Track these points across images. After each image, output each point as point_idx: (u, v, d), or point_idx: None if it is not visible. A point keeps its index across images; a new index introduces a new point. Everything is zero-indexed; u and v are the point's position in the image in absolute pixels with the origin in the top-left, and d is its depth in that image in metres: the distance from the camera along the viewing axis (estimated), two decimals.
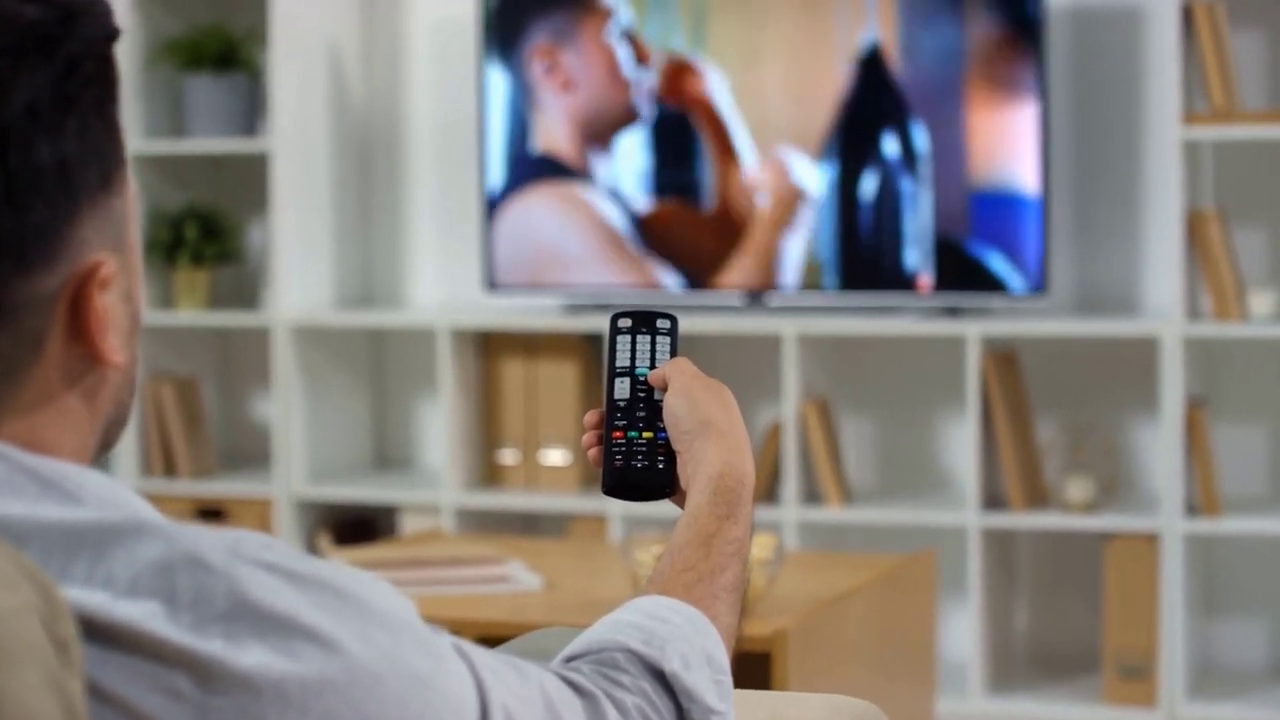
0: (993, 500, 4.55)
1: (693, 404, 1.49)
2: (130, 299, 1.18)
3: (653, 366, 1.55)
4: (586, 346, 4.84)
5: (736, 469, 1.46)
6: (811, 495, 4.65)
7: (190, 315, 5.03)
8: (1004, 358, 4.55)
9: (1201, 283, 4.47)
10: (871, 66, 4.59)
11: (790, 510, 4.58)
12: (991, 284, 4.53)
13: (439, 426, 5.03)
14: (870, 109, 4.60)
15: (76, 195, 1.13)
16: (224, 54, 4.99)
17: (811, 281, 4.67)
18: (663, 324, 1.56)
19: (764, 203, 4.68)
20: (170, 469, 5.05)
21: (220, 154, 5.09)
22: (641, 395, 1.54)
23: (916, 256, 4.58)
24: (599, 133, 4.77)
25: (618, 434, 1.53)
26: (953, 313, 4.61)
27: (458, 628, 3.06)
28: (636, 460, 1.52)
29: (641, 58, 4.73)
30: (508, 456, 4.89)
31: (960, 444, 4.74)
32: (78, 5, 1.13)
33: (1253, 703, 4.41)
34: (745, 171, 4.68)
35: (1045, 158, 4.46)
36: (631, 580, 3.08)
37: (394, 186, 5.19)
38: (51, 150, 1.11)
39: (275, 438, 4.95)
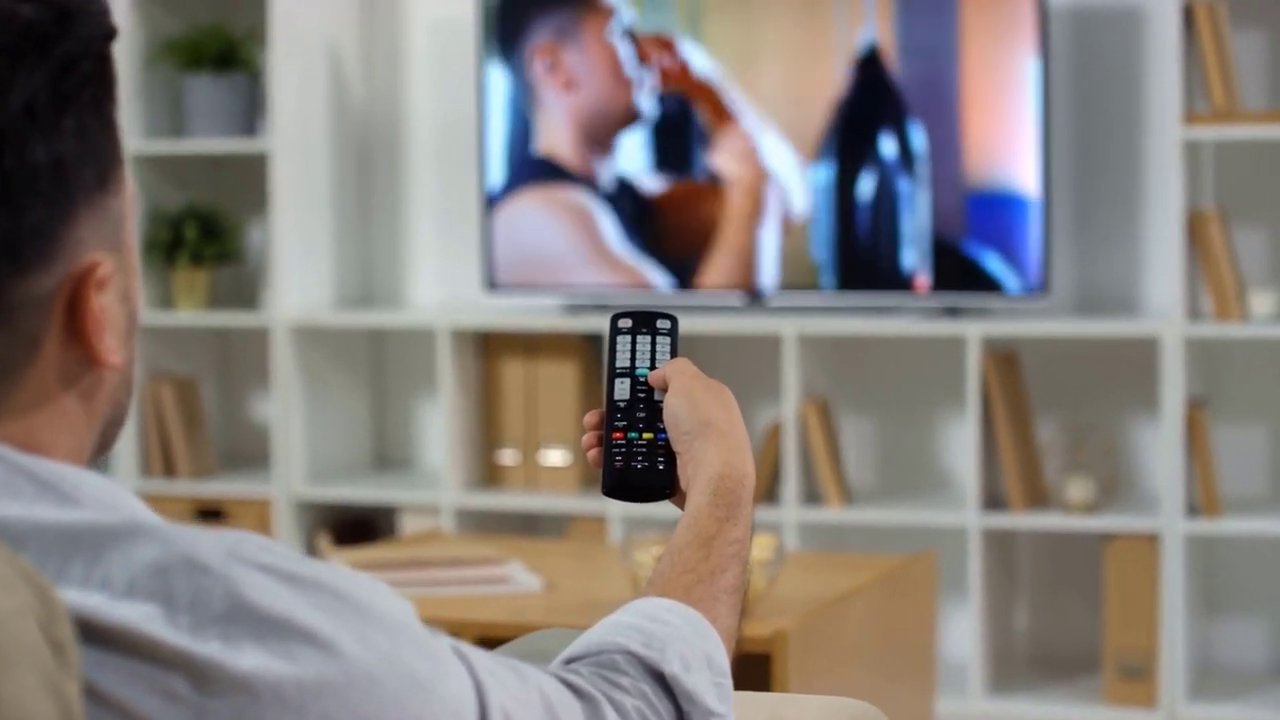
0: (993, 501, 4.55)
1: (693, 405, 1.48)
2: (127, 299, 1.18)
3: (653, 367, 1.54)
4: (586, 347, 4.84)
5: (737, 470, 1.46)
6: (811, 496, 4.65)
7: (190, 315, 5.03)
8: (1004, 358, 4.54)
9: (1202, 283, 4.46)
10: (869, 66, 4.58)
11: (790, 511, 4.58)
12: (989, 284, 4.52)
13: (439, 427, 5.03)
14: (868, 109, 4.59)
15: (73, 195, 1.12)
16: (224, 54, 4.99)
17: (809, 281, 4.67)
18: (663, 324, 1.56)
19: (737, 195, 4.67)
20: (169, 469, 5.04)
21: (220, 154, 5.08)
22: (641, 396, 1.53)
23: (914, 257, 4.58)
24: (601, 133, 4.77)
25: (618, 435, 1.53)
26: (952, 313, 4.61)
27: (457, 628, 3.05)
28: (636, 461, 1.52)
29: (643, 57, 4.73)
30: (507, 457, 4.89)
31: (960, 444, 4.73)
32: (74, 4, 1.13)
33: (1253, 703, 4.40)
34: (721, 162, 4.68)
35: (1046, 157, 4.46)
36: (631, 581, 3.07)
37: (394, 186, 5.19)
38: (48, 150, 1.11)
39: (275, 438, 4.95)
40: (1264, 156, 4.56)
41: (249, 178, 5.15)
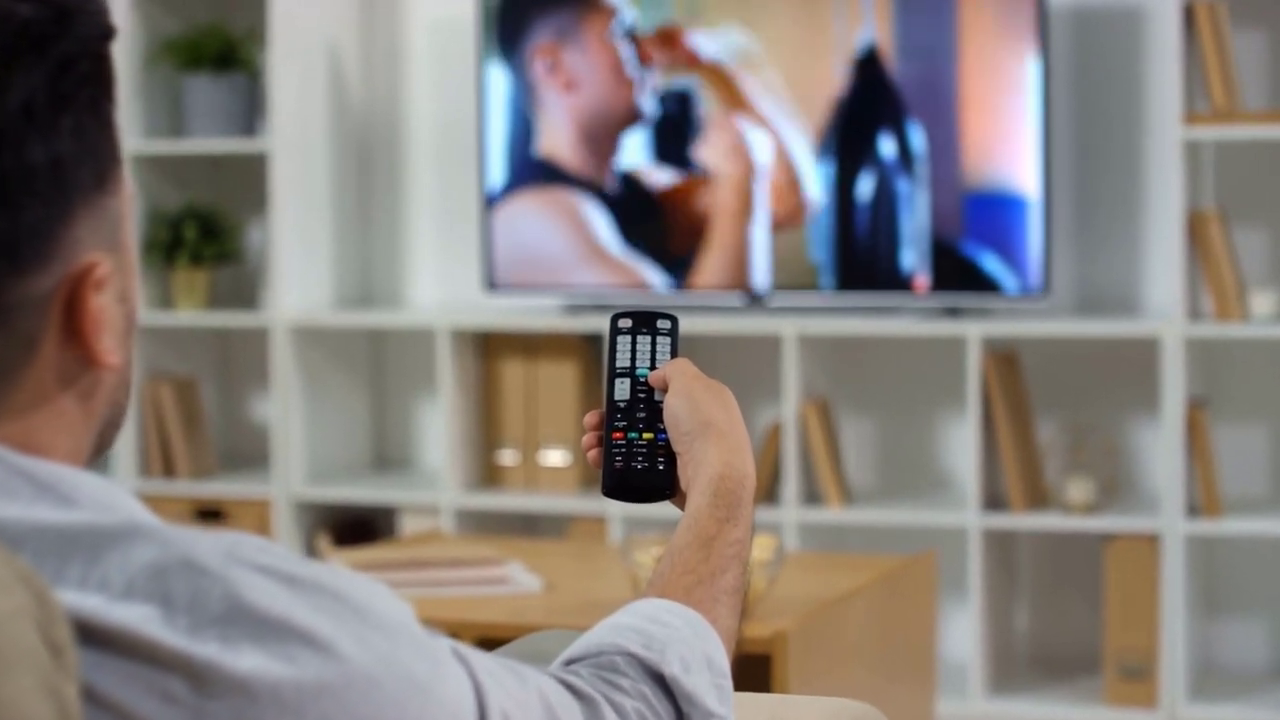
0: (993, 501, 4.55)
1: (693, 405, 1.48)
2: (125, 299, 1.17)
3: (653, 367, 1.54)
4: (586, 347, 4.84)
5: (737, 470, 1.45)
6: (811, 496, 4.64)
7: (189, 315, 5.03)
8: (1004, 358, 4.54)
9: (1202, 283, 4.46)
10: (868, 66, 4.58)
11: (790, 511, 4.58)
12: (987, 285, 4.52)
13: (438, 427, 5.03)
14: (867, 109, 4.59)
15: (71, 195, 1.12)
16: (223, 54, 4.98)
17: (808, 282, 4.66)
18: (663, 324, 1.55)
19: (724, 193, 4.67)
20: (169, 469, 5.04)
21: (219, 154, 5.08)
22: (642, 396, 1.53)
23: (913, 257, 4.58)
24: (602, 133, 4.76)
25: (618, 435, 1.52)
26: (953, 313, 4.60)
27: (457, 629, 3.05)
28: (636, 462, 1.51)
29: (644, 57, 4.72)
30: (507, 457, 4.88)
31: (961, 445, 4.73)
32: (72, 4, 1.13)
33: (1254, 704, 4.40)
34: (710, 157, 4.68)
35: (1046, 158, 4.45)
36: (631, 582, 3.07)
37: (393, 186, 5.19)
38: (46, 150, 1.10)
39: (274, 438, 4.95)
40: (1264, 156, 4.56)
41: (248, 178, 5.15)
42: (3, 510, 1.07)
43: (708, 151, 4.70)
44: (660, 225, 4.75)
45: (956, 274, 4.55)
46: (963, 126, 4.52)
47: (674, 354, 1.55)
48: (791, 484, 4.58)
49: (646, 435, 1.52)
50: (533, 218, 4.83)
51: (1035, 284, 4.48)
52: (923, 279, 4.58)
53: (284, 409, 4.91)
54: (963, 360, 4.61)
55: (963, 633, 4.65)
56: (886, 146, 4.58)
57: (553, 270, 4.81)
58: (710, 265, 4.71)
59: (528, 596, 3.31)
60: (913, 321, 4.54)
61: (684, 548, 1.42)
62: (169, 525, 1.10)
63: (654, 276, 4.75)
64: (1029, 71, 4.45)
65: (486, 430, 4.90)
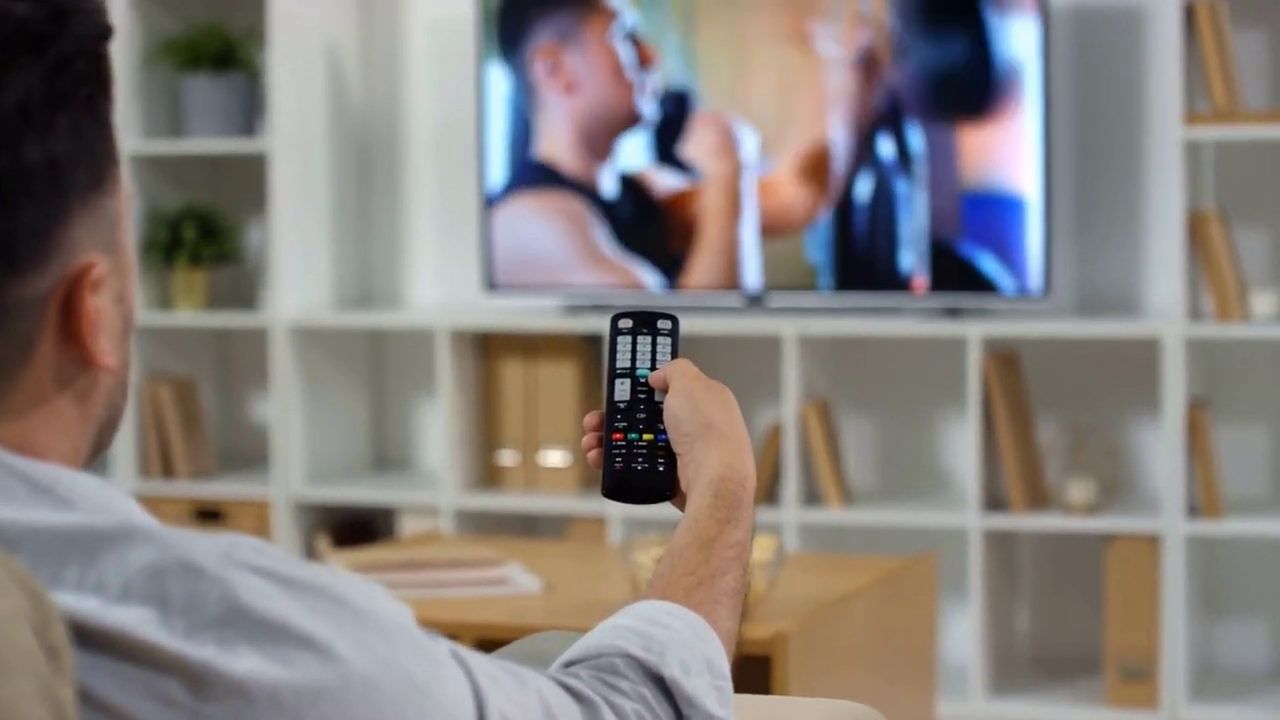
0: (993, 502, 4.54)
1: (694, 406, 1.48)
2: (123, 300, 1.17)
3: (653, 368, 1.53)
4: (586, 347, 4.83)
5: (738, 471, 1.45)
6: (812, 496, 4.64)
7: (188, 316, 5.02)
8: (1005, 359, 4.54)
9: (1203, 283, 4.46)
10: (866, 66, 4.57)
11: (790, 512, 4.57)
12: (985, 285, 4.52)
13: (438, 427, 5.02)
14: (865, 109, 4.58)
15: (67, 195, 1.12)
16: (222, 54, 4.98)
17: (806, 282, 4.66)
18: (663, 325, 1.55)
19: (713, 193, 4.67)
20: (168, 470, 5.03)
21: (218, 154, 5.08)
22: (642, 396, 1.52)
23: (912, 258, 4.57)
24: (601, 135, 4.76)
25: (618, 435, 1.52)
26: (953, 314, 4.60)
27: (456, 630, 3.05)
28: (637, 462, 1.51)
29: (644, 60, 4.72)
30: (507, 458, 4.88)
31: (961, 445, 4.73)
32: (69, 3, 1.12)
33: (1254, 704, 4.40)
34: (697, 156, 4.68)
35: (1047, 158, 4.45)
36: (631, 583, 3.06)
37: (393, 187, 5.18)
38: (42, 149, 1.10)
39: (274, 439, 4.94)
40: (1265, 156, 4.55)
41: (248, 178, 5.14)
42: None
43: (695, 150, 4.70)
44: (658, 227, 4.74)
45: (955, 274, 4.55)
46: (961, 128, 4.51)
47: (674, 354, 1.54)
48: (791, 485, 4.58)
49: (647, 436, 1.51)
50: (532, 219, 4.82)
51: (1032, 284, 4.48)
52: (921, 279, 4.57)
53: (283, 409, 4.91)
54: (963, 361, 4.61)
55: (963, 633, 4.64)
56: (885, 147, 4.57)
57: (552, 271, 4.81)
58: (703, 265, 4.71)
59: (527, 597, 3.30)
60: (913, 322, 4.53)
61: (684, 549, 1.41)
62: (166, 527, 1.09)
63: (652, 278, 4.74)
64: (1027, 72, 4.44)
65: (486, 431, 4.89)
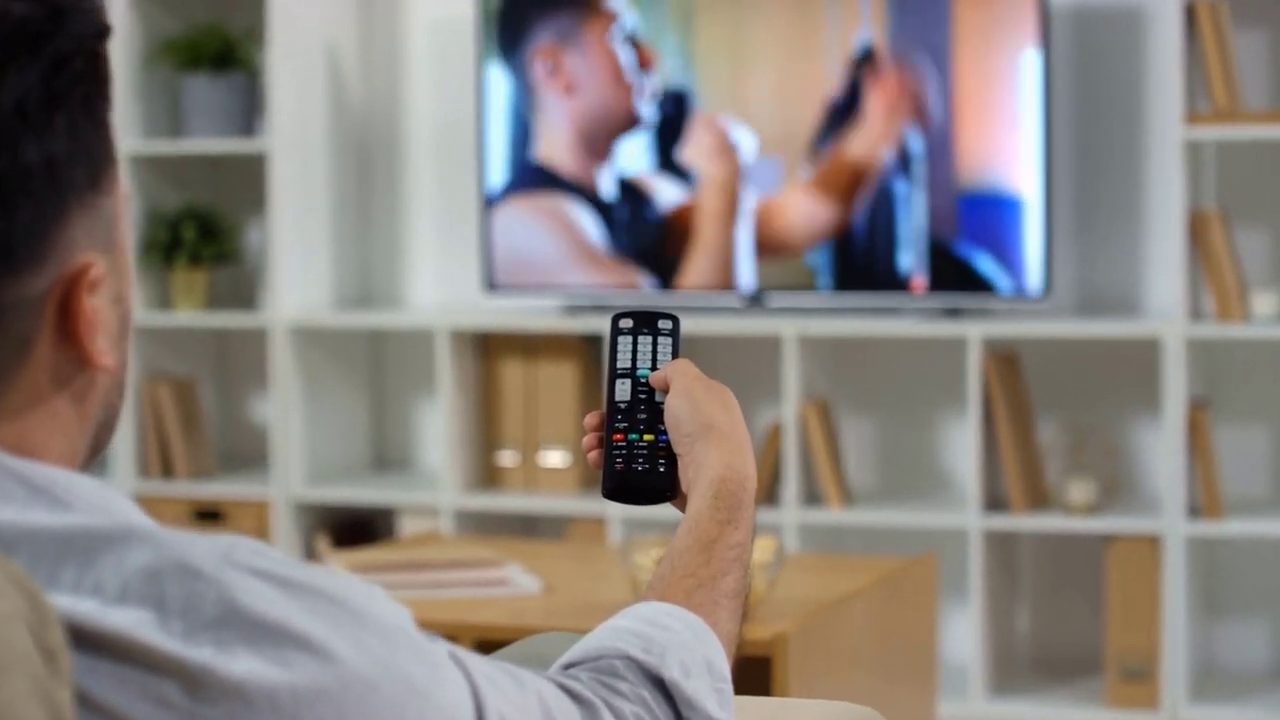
0: (994, 502, 4.54)
1: (694, 406, 1.47)
2: (120, 300, 1.17)
3: (654, 368, 1.53)
4: (586, 348, 4.83)
5: (738, 472, 1.44)
6: (812, 497, 4.64)
7: (188, 316, 5.02)
8: (1005, 359, 4.53)
9: (1203, 283, 4.45)
10: (864, 66, 4.57)
11: (790, 512, 4.57)
12: (982, 285, 4.51)
13: (438, 428, 5.02)
14: (863, 110, 4.58)
15: (65, 195, 1.11)
16: (222, 54, 4.97)
17: (805, 283, 4.66)
18: (664, 325, 1.54)
19: (711, 194, 4.67)
20: (168, 470, 5.03)
21: (218, 154, 5.07)
22: (642, 397, 1.52)
23: (910, 258, 4.57)
24: (600, 137, 4.75)
25: (618, 436, 1.51)
26: (952, 314, 4.59)
27: (456, 631, 3.04)
28: (637, 463, 1.50)
29: (644, 62, 4.72)
30: (506, 458, 4.87)
31: (961, 445, 4.72)
32: (67, 2, 1.12)
33: (1255, 705, 4.39)
34: (693, 161, 4.67)
35: (1047, 158, 4.44)
36: (631, 584, 3.06)
37: (393, 187, 5.18)
38: (40, 149, 1.10)
39: (273, 439, 4.94)
40: (1266, 156, 4.55)
41: (247, 178, 5.14)
42: None
43: (694, 152, 4.69)
44: (657, 228, 4.74)
45: (953, 275, 4.54)
46: (958, 127, 4.51)
47: (675, 354, 1.54)
48: (792, 485, 4.57)
49: (647, 436, 1.51)
50: (531, 220, 4.82)
51: (1029, 284, 4.47)
52: (920, 280, 4.57)
53: (283, 410, 4.91)
54: (963, 361, 4.61)
55: (963, 634, 4.64)
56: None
57: (552, 271, 4.81)
58: (702, 266, 4.70)
59: (527, 598, 3.30)
60: (913, 322, 4.53)
61: (684, 550, 1.41)
62: (164, 528, 1.09)
63: (651, 278, 4.74)
64: (1026, 72, 4.44)
65: (486, 431, 4.89)
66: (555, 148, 4.79)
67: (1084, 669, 4.64)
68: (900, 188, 4.56)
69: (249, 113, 5.02)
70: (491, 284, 4.85)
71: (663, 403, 1.50)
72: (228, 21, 5.07)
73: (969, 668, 4.52)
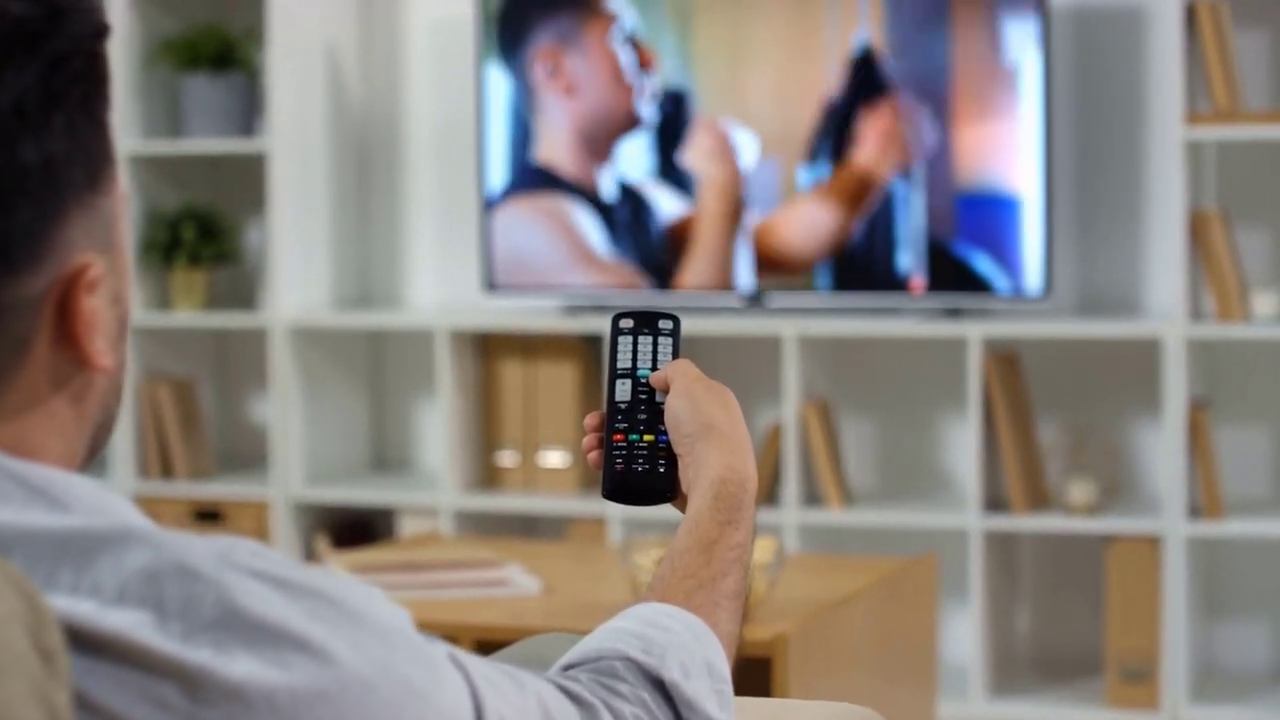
0: (994, 502, 4.54)
1: (695, 406, 1.47)
2: (118, 301, 1.16)
3: (654, 368, 1.52)
4: (586, 348, 4.83)
5: (738, 473, 1.44)
6: (812, 497, 4.63)
7: (187, 316, 5.01)
8: (1005, 359, 4.53)
9: (1204, 283, 4.45)
10: (862, 66, 4.57)
11: (790, 512, 4.56)
12: (980, 286, 4.51)
13: (437, 428, 5.01)
14: (862, 109, 4.58)
15: (63, 195, 1.11)
16: (221, 54, 4.97)
17: (805, 282, 4.65)
18: (665, 325, 1.54)
19: (710, 195, 4.66)
20: (167, 471, 5.03)
21: (218, 154, 5.07)
22: (643, 397, 1.51)
23: (909, 258, 4.57)
24: (601, 138, 4.75)
25: (618, 436, 1.51)
26: (952, 314, 4.59)
27: (455, 631, 3.04)
28: (637, 464, 1.50)
29: (644, 63, 4.71)
30: (506, 458, 4.87)
31: (961, 446, 4.72)
32: (65, 2, 1.11)
33: (1255, 705, 4.39)
34: (693, 161, 4.67)
35: (1048, 158, 4.44)
36: (631, 584, 3.06)
37: (392, 187, 5.18)
38: (38, 149, 1.09)
39: (273, 439, 4.94)
40: (1266, 156, 4.55)
41: (247, 178, 5.13)
42: None
43: (694, 154, 4.69)
44: (657, 229, 4.74)
45: (951, 275, 4.54)
46: (957, 127, 4.50)
47: (675, 355, 1.53)
48: (792, 485, 4.57)
49: (647, 437, 1.50)
50: (531, 220, 4.81)
51: (1027, 284, 4.47)
52: (919, 280, 4.56)
53: (283, 410, 4.90)
54: (963, 361, 4.60)
55: (963, 635, 4.63)
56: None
57: (552, 271, 4.80)
58: (702, 266, 4.70)
59: (526, 599, 3.29)
60: (913, 322, 4.53)
61: (685, 551, 1.40)
62: (162, 530, 1.09)
63: (651, 278, 4.74)
64: (1025, 71, 4.44)
65: (485, 431, 4.89)
66: (556, 149, 4.79)
67: (1084, 669, 4.63)
68: (899, 188, 4.56)
69: (248, 113, 5.01)
70: (491, 284, 4.85)
71: (663, 403, 1.50)
72: (227, 21, 5.06)
73: (969, 668, 4.52)
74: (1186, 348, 4.32)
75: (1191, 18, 4.35)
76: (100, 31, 1.13)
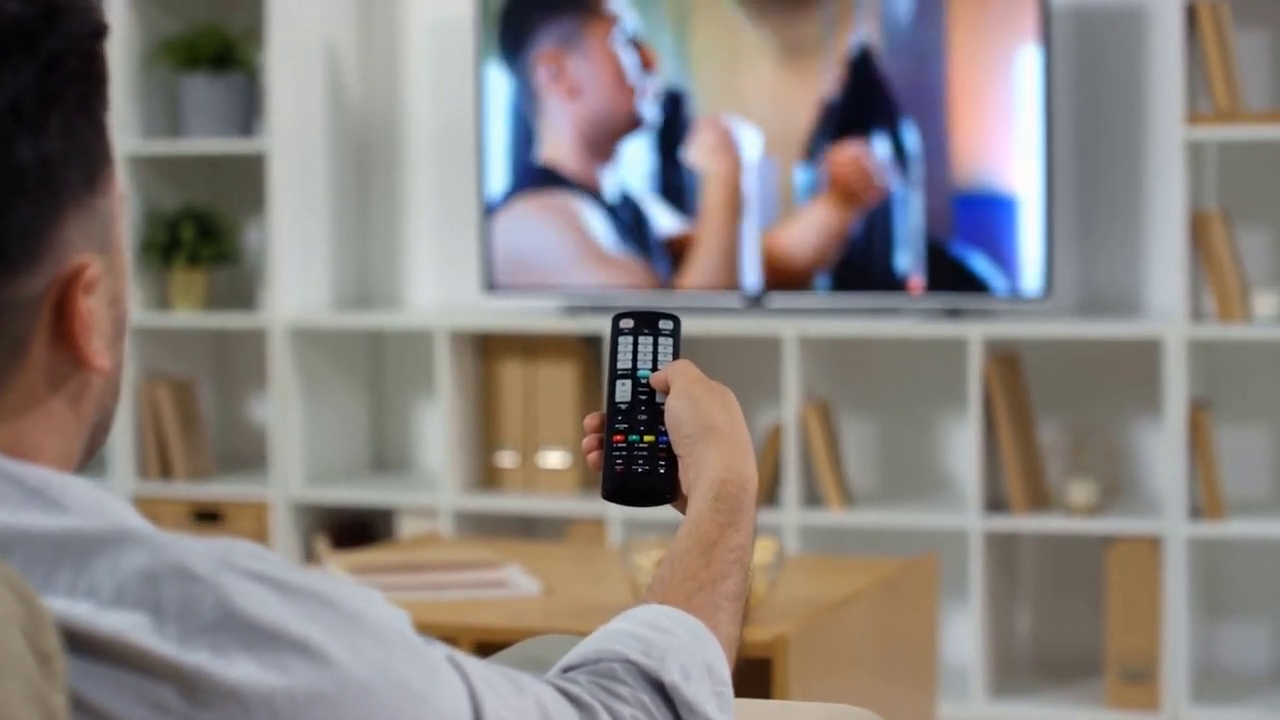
0: (994, 503, 4.53)
1: (695, 407, 1.46)
2: (116, 302, 1.16)
3: (654, 368, 1.52)
4: (585, 348, 4.82)
5: (739, 474, 1.43)
6: (812, 498, 4.63)
7: (187, 316, 5.01)
8: (1006, 359, 4.53)
9: (1205, 284, 4.45)
10: (860, 66, 4.56)
11: (791, 513, 4.56)
12: (978, 286, 4.51)
13: (437, 428, 5.01)
14: (860, 109, 4.57)
15: (60, 195, 1.10)
16: (221, 54, 4.97)
17: (804, 283, 4.65)
18: (665, 325, 1.53)
19: (712, 194, 4.66)
20: (166, 471, 5.02)
21: (217, 154, 5.07)
22: (643, 398, 1.51)
23: (908, 258, 4.56)
24: (603, 140, 4.75)
25: (618, 437, 1.50)
26: (953, 314, 4.59)
27: (455, 632, 3.03)
28: (637, 465, 1.49)
29: (646, 64, 4.71)
30: (506, 459, 4.87)
31: (962, 446, 4.72)
32: (62, 1, 1.11)
33: (1256, 706, 4.39)
34: (698, 158, 4.67)
35: (1048, 158, 4.44)
36: (631, 585, 3.05)
37: (392, 187, 5.17)
38: (35, 149, 1.09)
39: (272, 440, 4.93)
40: (1267, 157, 4.54)
41: (246, 178, 5.13)
42: None
43: (696, 150, 4.69)
44: (657, 230, 4.73)
45: (950, 275, 4.54)
46: (954, 127, 4.50)
47: (676, 355, 1.53)
48: (792, 486, 4.56)
49: (647, 438, 1.50)
50: (533, 222, 4.81)
51: (1025, 285, 4.47)
52: (917, 280, 4.56)
53: (282, 410, 4.90)
54: (964, 362, 4.60)
55: (964, 635, 4.63)
56: (880, 147, 4.56)
57: (552, 271, 4.80)
58: (703, 266, 4.70)
59: (526, 600, 3.29)
60: (913, 323, 4.52)
61: (685, 553, 1.40)
62: (160, 531, 1.08)
63: (651, 278, 4.73)
64: (1024, 71, 4.43)
65: (485, 432, 4.88)
66: (558, 150, 4.79)
67: (1084, 670, 4.63)
68: (897, 188, 4.55)
69: (248, 113, 5.01)
70: (491, 284, 4.84)
71: (663, 404, 1.49)
72: (227, 21, 5.06)
73: (969, 669, 4.51)
74: (1187, 348, 4.32)
75: (1192, 18, 4.35)
76: (98, 31, 1.13)
